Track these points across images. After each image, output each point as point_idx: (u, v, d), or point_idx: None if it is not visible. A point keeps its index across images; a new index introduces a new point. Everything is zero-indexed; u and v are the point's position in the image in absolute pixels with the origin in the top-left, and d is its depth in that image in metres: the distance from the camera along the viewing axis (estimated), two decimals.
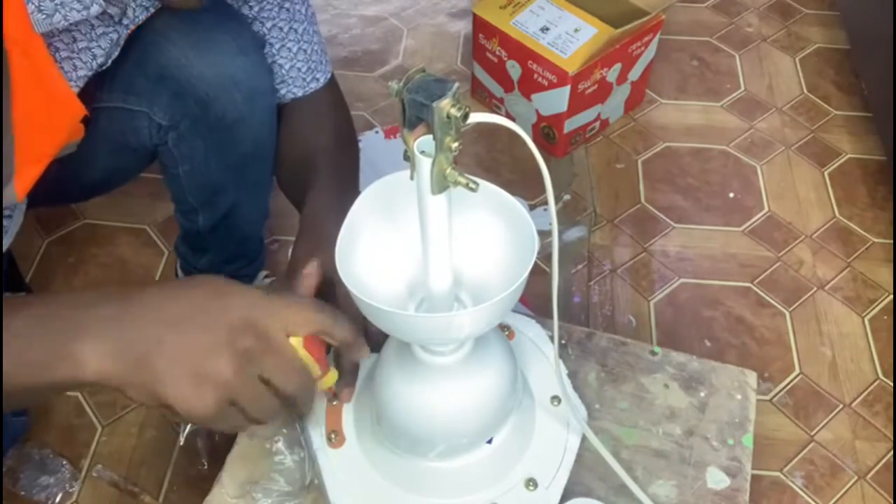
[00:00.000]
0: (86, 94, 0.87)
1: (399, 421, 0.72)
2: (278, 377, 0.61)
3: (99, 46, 0.83)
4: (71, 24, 0.77)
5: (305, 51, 0.99)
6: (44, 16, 0.72)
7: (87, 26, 0.81)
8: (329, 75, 1.03)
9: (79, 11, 0.74)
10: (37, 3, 0.71)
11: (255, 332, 0.60)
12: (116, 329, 0.58)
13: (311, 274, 0.74)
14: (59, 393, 0.58)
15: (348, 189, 0.94)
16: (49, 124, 0.76)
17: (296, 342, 0.63)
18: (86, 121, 0.85)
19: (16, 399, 0.61)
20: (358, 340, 0.67)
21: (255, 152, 1.03)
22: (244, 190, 1.09)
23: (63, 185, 1.04)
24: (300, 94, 1.01)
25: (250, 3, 0.95)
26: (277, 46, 0.97)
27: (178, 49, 0.91)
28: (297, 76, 1.00)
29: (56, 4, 0.72)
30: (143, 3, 0.83)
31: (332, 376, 0.70)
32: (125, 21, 0.83)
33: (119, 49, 0.86)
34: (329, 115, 1.03)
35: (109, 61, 0.86)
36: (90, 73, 0.84)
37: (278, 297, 0.63)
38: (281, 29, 0.97)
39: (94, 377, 0.58)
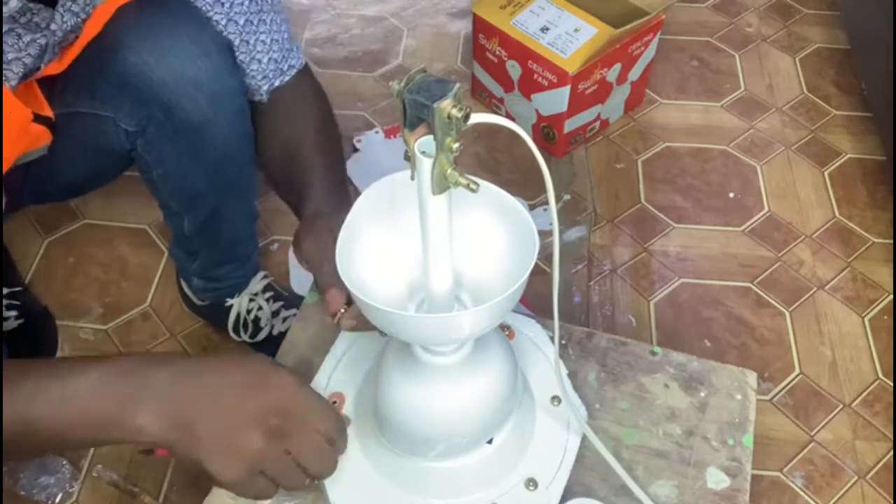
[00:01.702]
0: (54, 99, 0.87)
1: (399, 421, 0.72)
2: (304, 455, 0.69)
3: (28, 55, 0.82)
4: None
5: (277, 40, 0.99)
6: None
7: (13, 37, 0.80)
8: (302, 59, 1.04)
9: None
10: None
11: (286, 413, 0.68)
12: (171, 397, 0.65)
13: (334, 301, 0.79)
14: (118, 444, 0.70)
15: (341, 178, 0.98)
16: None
17: None
18: (53, 126, 0.86)
19: (68, 448, 0.72)
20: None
21: (227, 153, 1.03)
22: (224, 192, 1.09)
23: (45, 185, 1.05)
24: (277, 83, 1.01)
25: (222, 1, 0.94)
26: (252, 41, 0.97)
27: (136, 55, 0.91)
28: (274, 67, 1.00)
29: None
30: (73, 9, 0.82)
31: None
32: (53, 27, 0.82)
33: (53, 55, 0.84)
34: (308, 100, 1.03)
35: (43, 66, 0.85)
36: (20, 81, 0.83)
37: (310, 391, 0.72)
38: (252, 23, 0.97)
39: (147, 440, 0.65)
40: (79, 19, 0.84)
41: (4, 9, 0.75)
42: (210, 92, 0.95)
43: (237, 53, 0.98)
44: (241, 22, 0.96)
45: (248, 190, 1.15)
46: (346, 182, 0.99)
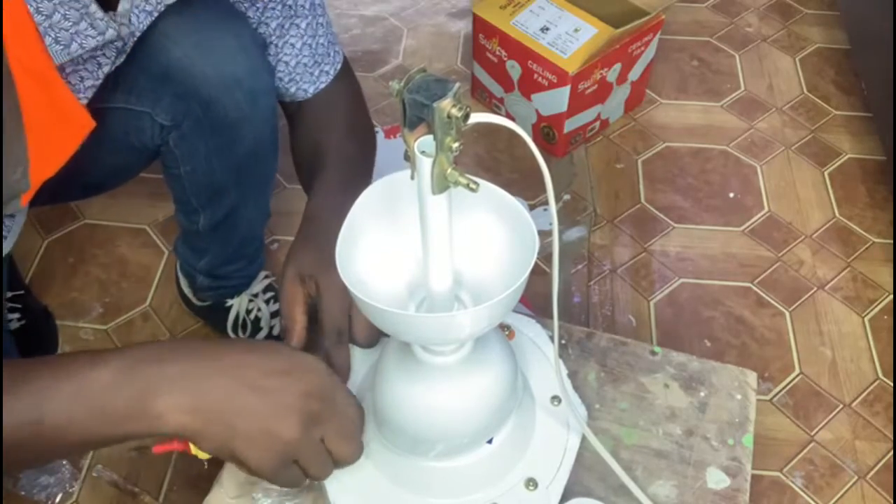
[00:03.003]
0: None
1: (399, 421, 0.72)
2: (336, 442, 0.67)
3: (104, 55, 0.83)
4: (78, 64, 0.78)
5: (310, 45, 0.99)
6: (61, 46, 0.72)
7: (94, 65, 0.82)
8: (339, 66, 1.03)
9: (94, 38, 0.75)
10: (54, 36, 0.71)
11: (323, 399, 0.66)
12: (195, 385, 0.63)
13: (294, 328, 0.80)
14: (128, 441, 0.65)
15: (354, 183, 0.94)
16: (61, 141, 0.77)
17: None
18: None
19: (82, 448, 0.67)
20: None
21: (256, 152, 1.03)
22: (246, 190, 1.09)
23: (65, 185, 1.04)
24: (311, 90, 1.01)
25: (257, 5, 0.95)
26: (281, 44, 0.97)
27: (181, 49, 0.91)
28: (303, 72, 1.00)
29: (71, 34, 0.72)
30: (146, 9, 0.83)
31: None
32: (131, 28, 0.83)
33: (124, 56, 0.86)
34: (340, 108, 1.02)
35: (114, 68, 0.86)
36: (97, 83, 0.85)
37: (336, 376, 0.70)
38: (282, 27, 0.97)
39: (172, 430, 0.63)
40: (151, 18, 0.84)
41: (101, 38, 0.76)
42: (248, 89, 0.95)
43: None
44: (273, 26, 0.96)
45: (268, 189, 1.15)
46: (358, 187, 0.99)
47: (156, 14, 0.84)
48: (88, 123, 0.79)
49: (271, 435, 0.63)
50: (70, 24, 0.73)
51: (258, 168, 1.06)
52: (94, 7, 0.74)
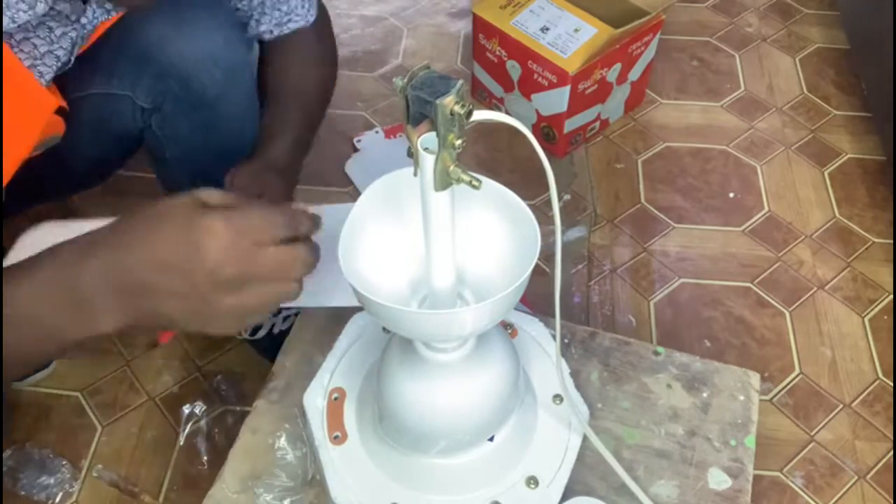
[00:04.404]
0: (64, 85, 0.87)
1: (401, 417, 0.72)
2: (276, 274, 0.61)
3: (60, 47, 0.83)
4: (29, 31, 0.77)
5: (281, 7, 1.03)
6: None
7: (45, 30, 0.81)
8: (310, 19, 1.07)
9: (25, 12, 0.75)
10: None
11: (234, 260, 0.59)
12: (117, 278, 0.59)
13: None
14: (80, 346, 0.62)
15: (299, 139, 1.04)
16: (22, 122, 0.77)
17: None
18: (66, 113, 0.86)
19: (34, 361, 0.64)
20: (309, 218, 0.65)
21: (238, 129, 1.04)
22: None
23: (50, 180, 1.05)
24: (276, 32, 1.05)
25: None
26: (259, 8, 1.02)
27: (157, 29, 0.92)
28: (275, 16, 1.04)
29: (5, 5, 0.72)
30: (106, 6, 0.83)
31: None
32: (83, 20, 0.83)
33: (79, 47, 0.86)
34: (305, 59, 1.08)
35: (72, 59, 0.86)
36: (55, 75, 0.85)
37: (241, 217, 0.60)
38: None
39: (110, 330, 0.60)
40: (109, 15, 0.85)
41: (32, 13, 0.75)
42: (225, 65, 0.96)
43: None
44: None
45: None
46: (301, 145, 1.06)
47: (114, 13, 0.84)
48: (51, 102, 0.80)
49: (206, 315, 0.60)
50: None
51: (242, 146, 1.06)
52: None
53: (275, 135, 1.02)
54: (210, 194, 0.61)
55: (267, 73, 1.08)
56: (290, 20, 1.05)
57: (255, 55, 1.09)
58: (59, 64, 0.84)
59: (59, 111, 0.86)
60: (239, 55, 0.98)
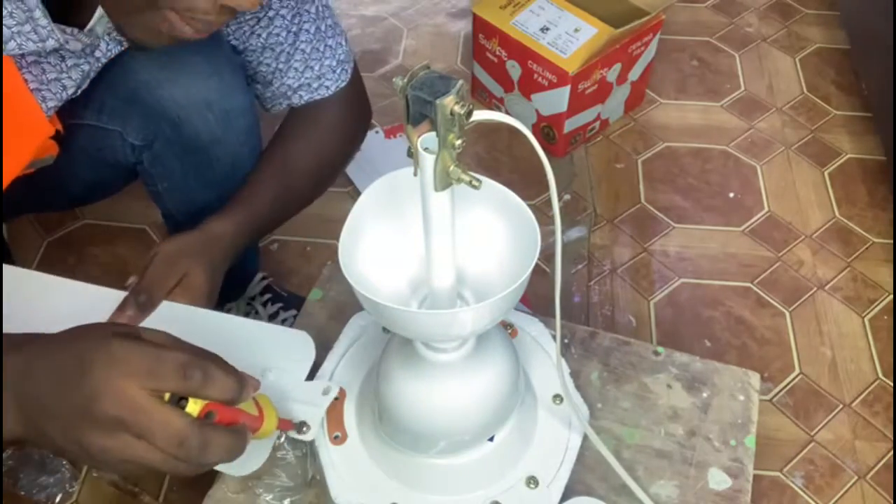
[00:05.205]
0: (61, 109, 0.86)
1: (401, 417, 0.72)
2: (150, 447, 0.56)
3: (69, 77, 0.83)
4: (41, 56, 0.77)
5: (312, 68, 0.98)
6: None
7: (56, 58, 0.81)
8: (330, 90, 1.01)
9: (35, 43, 0.75)
10: None
11: (121, 421, 0.54)
12: (18, 384, 0.56)
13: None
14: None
15: (262, 214, 0.97)
16: (15, 142, 0.77)
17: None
18: (61, 136, 0.86)
19: None
20: (243, 383, 0.59)
21: (236, 170, 1.01)
22: None
23: (47, 195, 1.04)
24: (295, 100, 1.00)
25: (258, 33, 0.94)
26: (284, 69, 0.97)
27: (147, 72, 0.90)
28: (298, 88, 1.00)
29: (12, 32, 0.72)
30: (118, 38, 0.82)
31: (270, 420, 0.66)
32: (97, 54, 0.83)
33: (89, 80, 0.85)
34: (309, 131, 1.02)
35: (79, 91, 0.85)
36: (59, 104, 0.84)
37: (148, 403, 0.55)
38: (287, 53, 0.96)
39: (9, 437, 0.56)
40: (122, 47, 0.84)
41: (41, 45, 0.75)
42: (220, 110, 0.94)
43: (266, 75, 0.98)
44: (278, 52, 0.96)
45: None
46: (259, 228, 1.00)
47: (127, 45, 0.83)
48: (47, 129, 0.79)
49: (81, 447, 0.55)
50: (14, 22, 0.73)
51: (238, 186, 1.05)
52: (38, 13, 0.73)
53: (235, 207, 0.94)
54: (140, 329, 0.57)
55: (277, 129, 1.03)
56: (320, 85, 1.00)
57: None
58: (66, 93, 0.84)
59: (54, 135, 0.86)
60: (236, 100, 0.95)
